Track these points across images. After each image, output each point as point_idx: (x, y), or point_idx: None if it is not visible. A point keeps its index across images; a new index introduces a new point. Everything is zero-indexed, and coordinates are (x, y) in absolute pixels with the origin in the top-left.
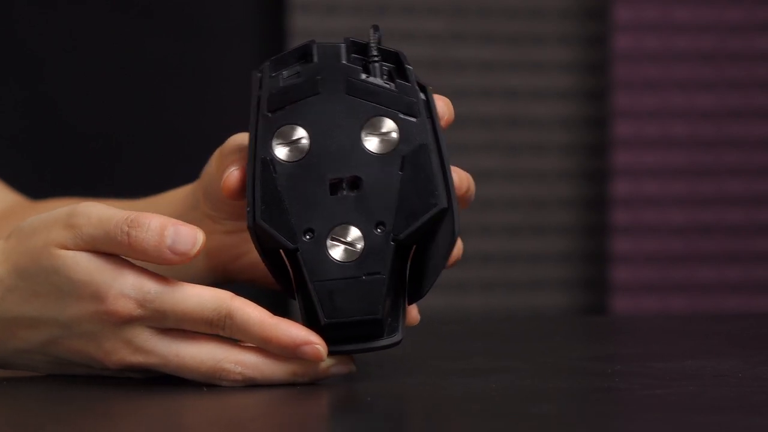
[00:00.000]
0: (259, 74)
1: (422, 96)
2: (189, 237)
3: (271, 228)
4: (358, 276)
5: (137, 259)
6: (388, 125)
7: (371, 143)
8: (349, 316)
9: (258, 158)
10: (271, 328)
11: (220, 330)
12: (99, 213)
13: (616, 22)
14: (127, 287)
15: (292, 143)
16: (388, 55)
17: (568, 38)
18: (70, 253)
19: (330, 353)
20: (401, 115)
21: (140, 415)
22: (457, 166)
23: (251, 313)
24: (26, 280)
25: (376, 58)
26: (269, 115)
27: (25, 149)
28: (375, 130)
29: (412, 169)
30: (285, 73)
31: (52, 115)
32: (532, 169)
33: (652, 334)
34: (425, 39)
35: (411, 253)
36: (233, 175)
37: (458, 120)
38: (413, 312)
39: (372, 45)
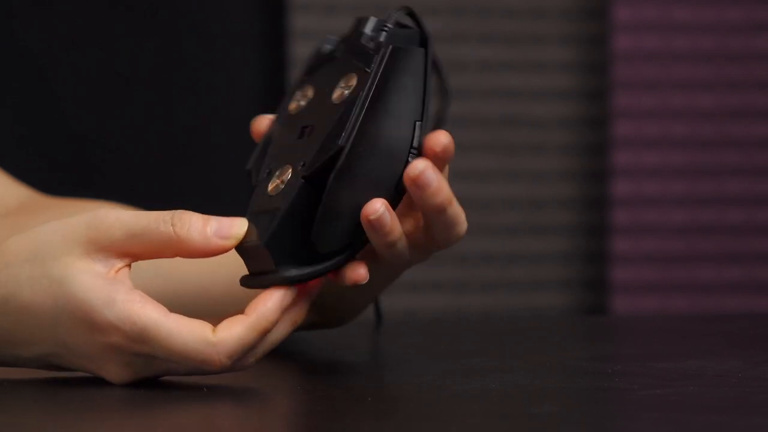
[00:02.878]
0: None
1: (385, 53)
2: (232, 221)
3: (252, 170)
4: (270, 208)
5: (180, 251)
6: (351, 79)
7: (337, 94)
8: (247, 241)
9: (277, 113)
10: (264, 322)
11: (219, 367)
12: (129, 213)
13: (616, 22)
14: (116, 317)
15: (302, 99)
16: (402, 26)
17: (568, 38)
18: (81, 266)
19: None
20: (363, 70)
21: (141, 415)
22: (457, 166)
23: (238, 330)
24: (31, 286)
25: (385, 28)
26: (304, 77)
27: (25, 149)
28: (342, 83)
29: (343, 116)
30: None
31: (53, 115)
32: (531, 169)
33: (652, 334)
34: None
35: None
36: (263, 121)
37: (458, 120)
38: (358, 269)
39: (389, 20)
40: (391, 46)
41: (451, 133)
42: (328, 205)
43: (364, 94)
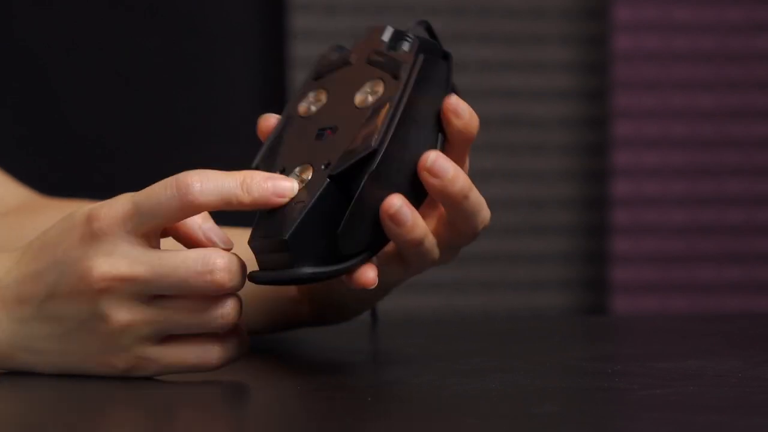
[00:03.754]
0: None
1: (417, 61)
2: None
3: (260, 168)
4: (290, 204)
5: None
6: (376, 85)
7: (359, 99)
8: (265, 236)
9: (283, 114)
10: (245, 189)
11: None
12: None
13: (616, 22)
14: (116, 206)
15: (314, 102)
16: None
17: (568, 38)
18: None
19: (255, 280)
20: (390, 77)
21: (140, 415)
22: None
23: (210, 183)
24: (43, 237)
25: (407, 38)
26: (312, 81)
27: (25, 149)
28: (366, 90)
29: (371, 120)
30: (338, 51)
31: (53, 115)
32: (531, 169)
33: (652, 334)
34: None
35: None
36: (270, 120)
37: None
38: (368, 273)
39: (408, 30)
40: (423, 56)
41: None
42: (357, 205)
43: (397, 99)
